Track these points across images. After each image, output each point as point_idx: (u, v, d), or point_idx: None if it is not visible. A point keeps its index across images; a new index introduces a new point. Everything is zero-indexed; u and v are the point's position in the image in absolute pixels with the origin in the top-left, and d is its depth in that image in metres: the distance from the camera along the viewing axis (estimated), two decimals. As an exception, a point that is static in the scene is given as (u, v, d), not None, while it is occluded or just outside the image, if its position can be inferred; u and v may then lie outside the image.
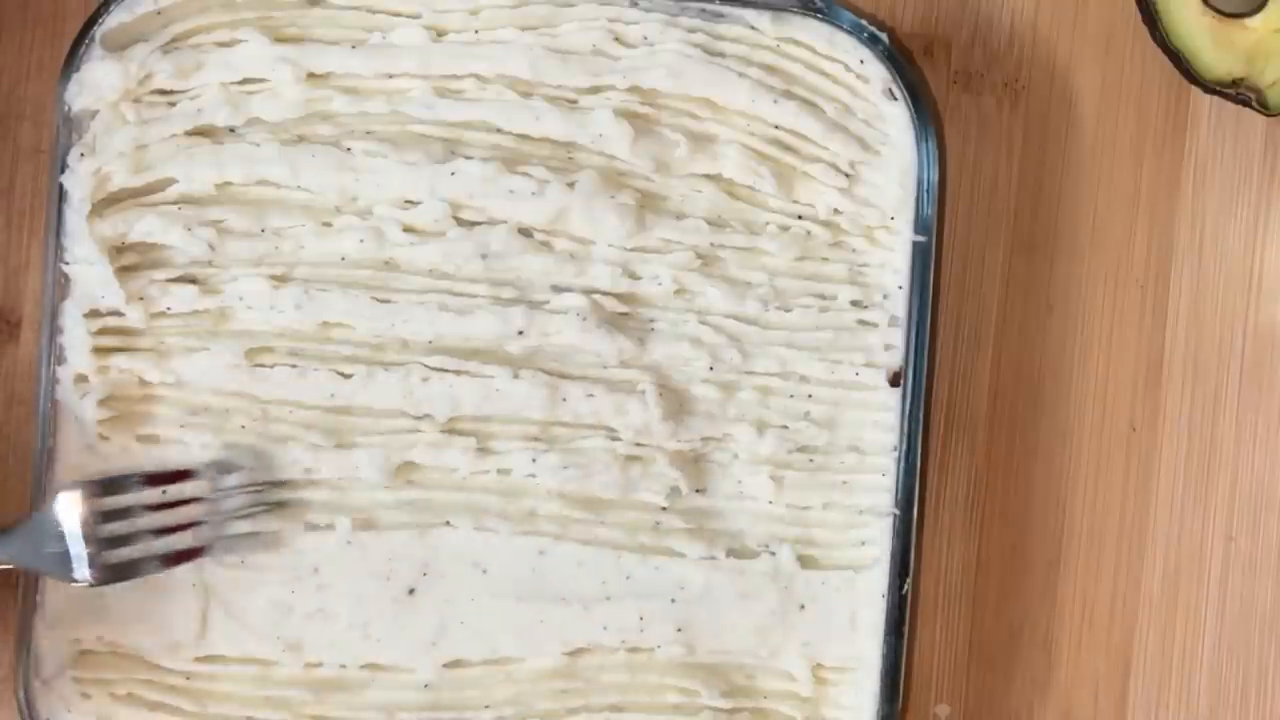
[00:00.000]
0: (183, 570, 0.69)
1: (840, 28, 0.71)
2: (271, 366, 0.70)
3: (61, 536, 0.67)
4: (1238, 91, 0.72)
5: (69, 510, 0.67)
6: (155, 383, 0.70)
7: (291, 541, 0.70)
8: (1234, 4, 0.71)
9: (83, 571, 0.67)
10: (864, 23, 0.71)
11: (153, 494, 0.69)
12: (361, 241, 0.70)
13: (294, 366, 0.70)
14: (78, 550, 0.67)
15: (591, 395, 0.71)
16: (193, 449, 0.70)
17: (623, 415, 0.71)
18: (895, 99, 0.72)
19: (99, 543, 0.67)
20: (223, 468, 0.70)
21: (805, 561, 0.72)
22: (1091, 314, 0.75)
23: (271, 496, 0.70)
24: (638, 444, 0.71)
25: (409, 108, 0.70)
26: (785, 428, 0.72)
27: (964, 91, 0.75)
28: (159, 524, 0.68)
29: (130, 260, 0.70)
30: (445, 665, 0.71)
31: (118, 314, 0.70)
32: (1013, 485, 0.75)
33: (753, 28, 0.72)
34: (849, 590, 0.72)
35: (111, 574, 0.68)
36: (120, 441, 0.70)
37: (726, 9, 0.71)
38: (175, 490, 0.69)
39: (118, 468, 0.69)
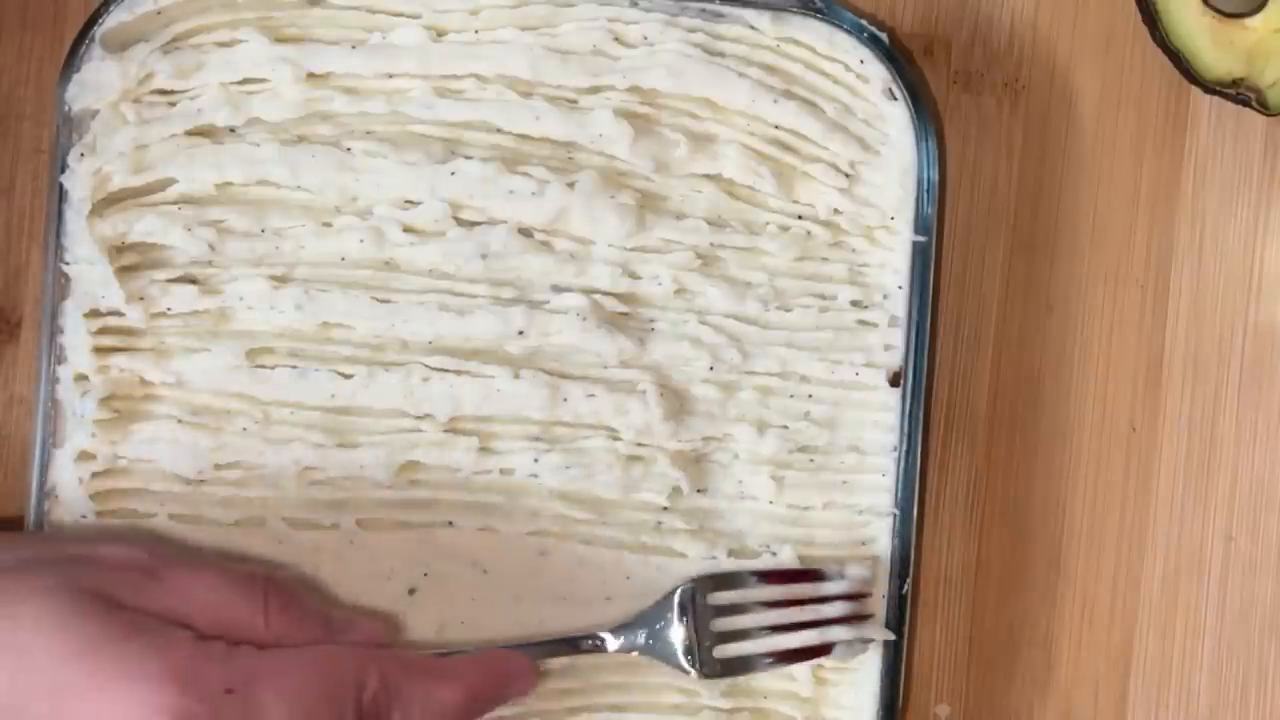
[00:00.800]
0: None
1: (840, 28, 0.72)
2: (272, 367, 0.70)
3: (674, 628, 0.69)
4: (1238, 91, 0.72)
5: (681, 604, 0.69)
6: (156, 383, 0.70)
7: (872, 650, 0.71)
8: (1234, 4, 0.71)
9: (686, 662, 0.69)
10: (864, 23, 0.72)
11: (769, 591, 0.70)
12: (361, 241, 0.70)
13: (294, 367, 0.70)
14: (688, 643, 0.69)
15: (592, 395, 0.71)
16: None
17: (623, 415, 0.71)
18: (895, 99, 0.72)
19: (708, 636, 0.69)
20: (828, 574, 0.71)
21: (806, 562, 0.72)
22: (1091, 314, 0.75)
23: (866, 608, 0.71)
24: (639, 444, 0.71)
25: (409, 108, 0.70)
26: (786, 428, 0.72)
27: (964, 91, 0.75)
28: (772, 621, 0.69)
29: (130, 260, 0.70)
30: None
31: (118, 314, 0.70)
32: (1013, 485, 0.75)
33: (753, 28, 0.72)
34: (850, 590, 0.72)
35: (720, 668, 0.69)
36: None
37: (726, 9, 0.71)
38: (786, 591, 0.70)
39: (731, 564, 0.70)
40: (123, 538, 0.67)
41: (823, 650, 0.70)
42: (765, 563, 0.71)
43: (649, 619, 0.70)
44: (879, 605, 0.72)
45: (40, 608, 0.60)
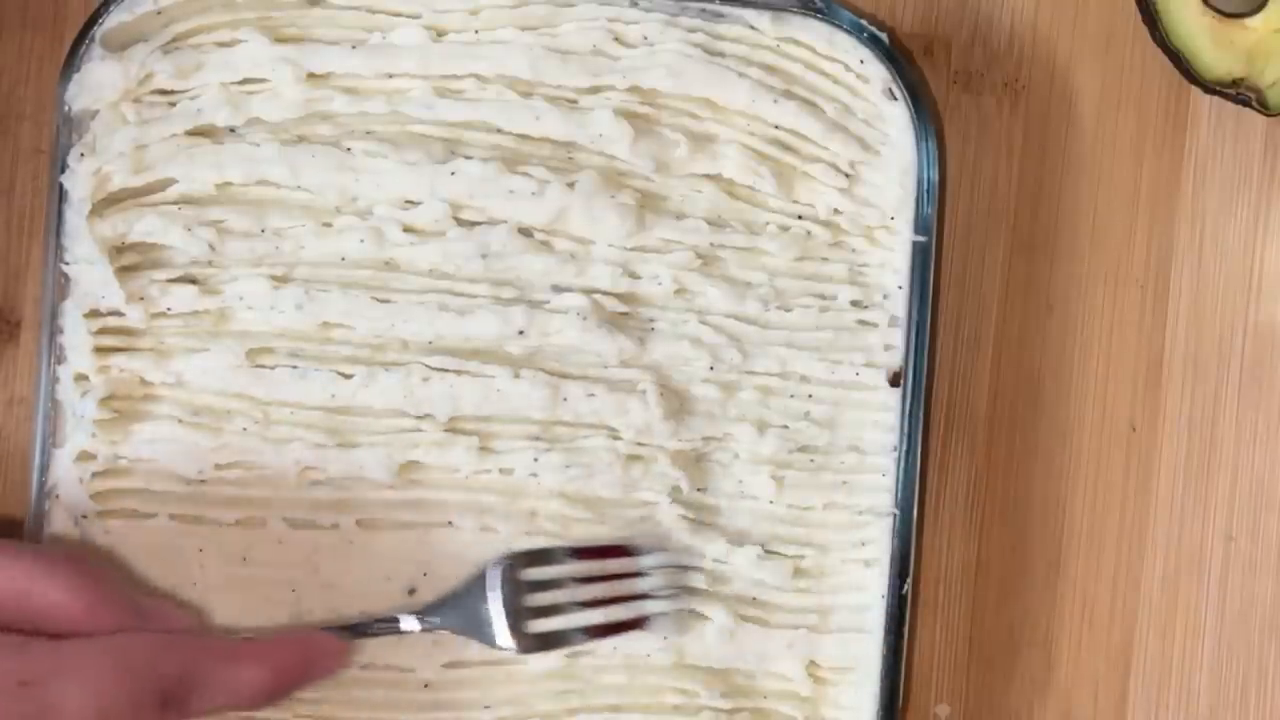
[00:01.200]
0: (183, 570, 0.69)
1: (840, 28, 0.72)
2: (272, 367, 0.70)
3: (487, 604, 0.69)
4: (1238, 91, 0.72)
5: (494, 580, 0.69)
6: (156, 383, 0.70)
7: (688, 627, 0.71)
8: (1234, 4, 0.72)
9: (505, 639, 0.68)
10: (864, 23, 0.72)
11: (581, 567, 0.69)
12: (361, 241, 0.70)
13: (294, 367, 0.70)
14: (499, 619, 0.68)
15: (592, 395, 0.71)
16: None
17: (624, 415, 0.71)
18: (895, 99, 0.72)
19: (521, 612, 0.69)
20: (642, 548, 0.70)
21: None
22: (1091, 314, 0.75)
23: (685, 580, 0.71)
24: (639, 444, 0.71)
25: (409, 108, 0.70)
26: (786, 428, 0.72)
27: (964, 91, 0.75)
28: (585, 597, 0.69)
29: (130, 260, 0.70)
30: (445, 665, 0.71)
31: (118, 314, 0.70)
32: (1013, 485, 0.75)
33: (753, 28, 0.72)
34: (849, 590, 0.72)
35: (534, 643, 0.69)
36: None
37: (726, 9, 0.71)
38: (601, 566, 0.70)
39: (546, 541, 0.70)
40: None
41: (636, 623, 0.70)
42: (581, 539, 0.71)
43: (460, 597, 0.69)
44: (877, 612, 0.72)
45: None
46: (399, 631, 0.69)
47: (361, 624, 0.69)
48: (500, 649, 0.69)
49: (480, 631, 0.69)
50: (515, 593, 0.69)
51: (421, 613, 0.69)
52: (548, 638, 0.69)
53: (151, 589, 0.69)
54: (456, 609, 0.69)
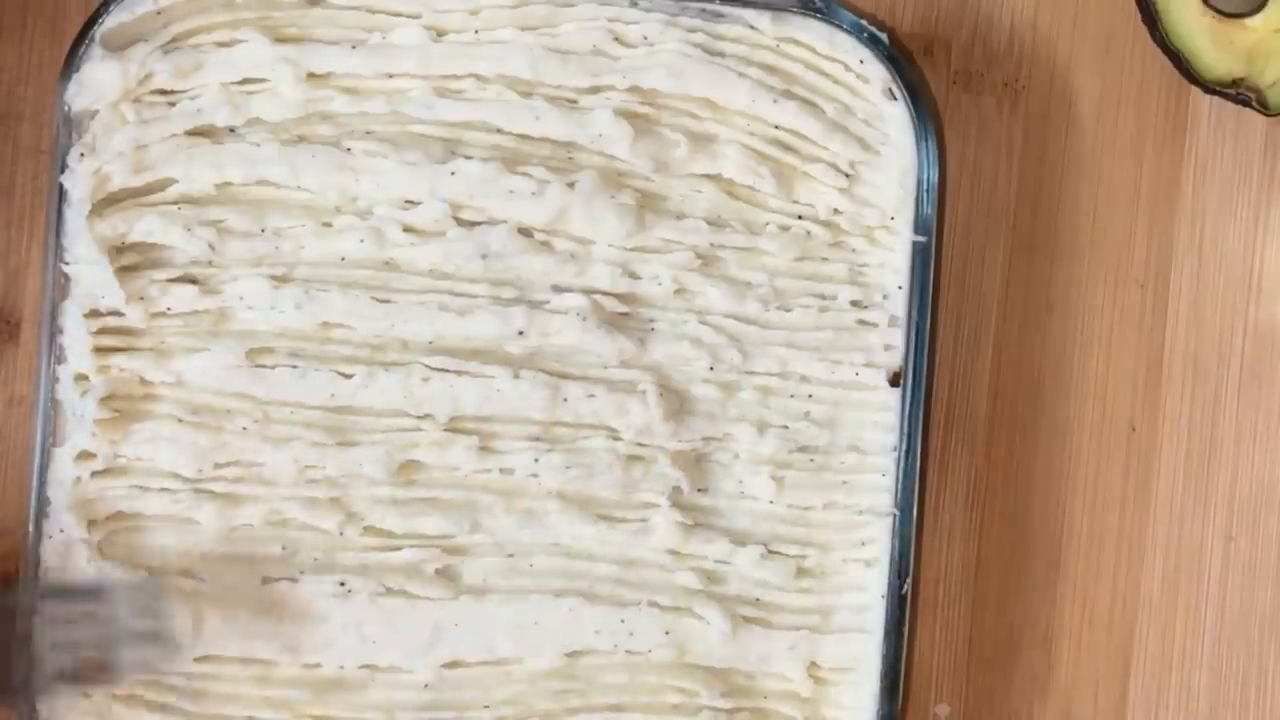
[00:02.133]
0: (176, 576, 0.70)
1: (840, 28, 0.72)
2: (272, 367, 0.70)
3: None
4: (1238, 91, 0.72)
5: None
6: (156, 383, 0.70)
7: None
8: (1234, 4, 0.72)
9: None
10: (864, 23, 0.72)
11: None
12: (361, 241, 0.70)
13: (294, 367, 0.70)
14: None
15: (592, 395, 0.71)
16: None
17: (624, 415, 0.71)
18: (895, 99, 0.72)
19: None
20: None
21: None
22: (1091, 314, 0.75)
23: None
24: (639, 444, 0.71)
25: (409, 108, 0.70)
26: (786, 428, 0.72)
27: (964, 91, 0.75)
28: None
29: (130, 260, 0.70)
30: (444, 666, 0.71)
31: (118, 314, 0.70)
32: (1013, 485, 0.75)
33: (753, 28, 0.72)
34: (849, 590, 0.72)
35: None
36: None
37: (726, 9, 0.71)
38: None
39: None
40: None
41: None
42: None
43: None
44: (877, 612, 0.72)
45: None
46: None
47: None
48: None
49: None
50: None
51: None
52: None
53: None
54: None
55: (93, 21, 0.69)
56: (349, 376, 0.70)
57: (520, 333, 0.70)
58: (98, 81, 0.69)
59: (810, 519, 0.72)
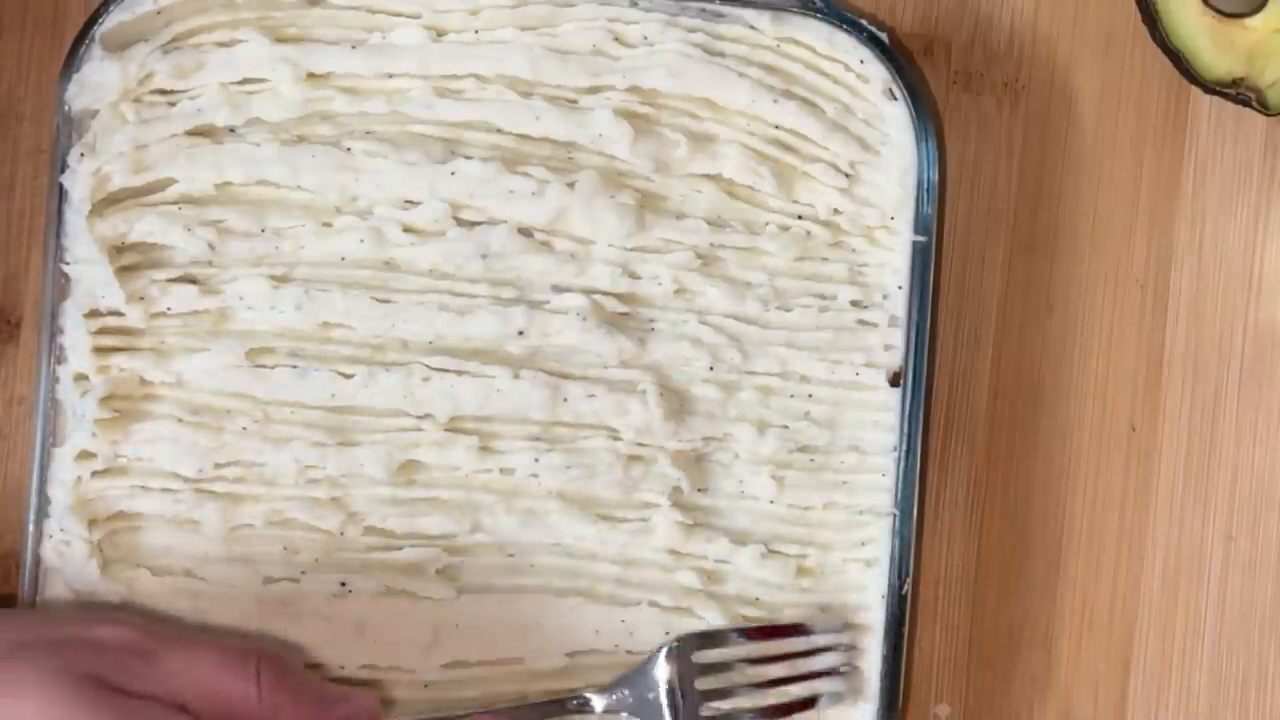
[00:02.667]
0: (170, 577, 0.70)
1: (840, 28, 0.71)
2: (272, 367, 0.70)
3: (657, 686, 0.69)
4: (1238, 91, 0.72)
5: (664, 664, 0.69)
6: (156, 383, 0.70)
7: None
8: (1234, 4, 0.72)
9: None
10: (864, 22, 0.72)
11: (754, 648, 0.70)
12: (361, 241, 0.70)
13: (294, 367, 0.70)
14: (672, 702, 0.69)
15: (592, 395, 0.71)
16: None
17: (624, 415, 0.71)
18: (895, 99, 0.72)
19: (693, 695, 0.69)
20: (812, 626, 0.71)
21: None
22: (1091, 314, 0.75)
23: (849, 659, 0.71)
24: (639, 444, 0.71)
25: (409, 108, 0.70)
26: (786, 428, 0.72)
27: (964, 91, 0.75)
28: (758, 679, 0.70)
29: (130, 260, 0.70)
30: (444, 666, 0.71)
31: (118, 314, 0.70)
32: (1013, 485, 0.75)
33: (753, 27, 0.72)
34: (849, 590, 0.72)
35: None
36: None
37: (726, 9, 0.71)
38: (774, 646, 0.70)
39: (711, 624, 0.70)
40: (116, 618, 0.67)
41: (808, 704, 0.70)
42: (749, 620, 0.71)
43: (634, 678, 0.69)
44: (877, 612, 0.72)
45: (41, 697, 0.60)
46: (590, 711, 0.69)
47: (546, 704, 0.69)
48: None
49: (651, 714, 0.69)
50: (685, 675, 0.69)
51: (601, 690, 0.69)
52: None
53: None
54: (629, 689, 0.69)
55: (93, 21, 0.69)
56: (349, 376, 0.70)
57: (520, 333, 0.70)
58: (98, 81, 0.69)
59: (810, 519, 0.72)
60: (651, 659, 0.69)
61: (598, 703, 0.69)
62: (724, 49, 0.71)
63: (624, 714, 0.69)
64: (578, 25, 0.71)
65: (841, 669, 0.71)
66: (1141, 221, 0.75)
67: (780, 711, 0.70)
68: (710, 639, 0.70)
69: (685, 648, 0.69)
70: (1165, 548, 0.75)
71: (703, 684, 0.69)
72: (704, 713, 0.69)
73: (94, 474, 0.69)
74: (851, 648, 0.71)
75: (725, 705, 0.69)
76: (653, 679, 0.69)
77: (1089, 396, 0.75)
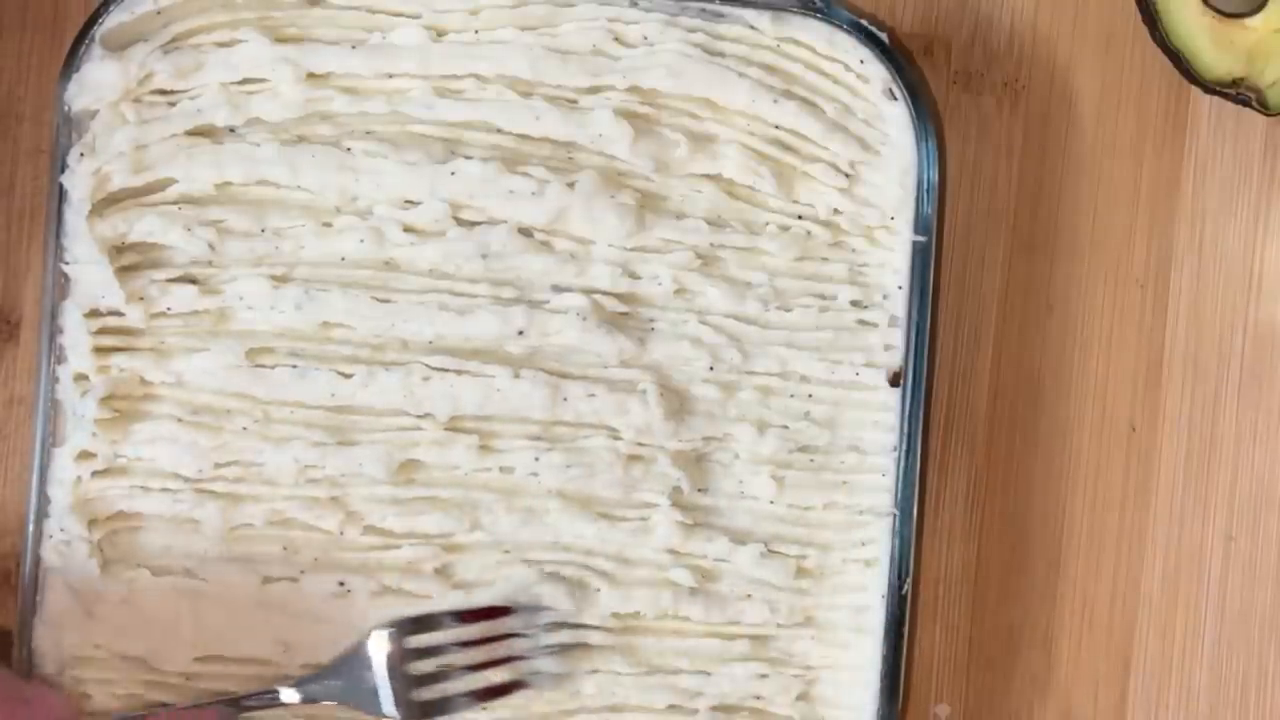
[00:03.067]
0: (170, 576, 0.70)
1: (840, 27, 0.72)
2: (272, 367, 0.70)
3: (371, 672, 0.69)
4: (1238, 91, 0.72)
5: (379, 648, 0.69)
6: (155, 383, 0.70)
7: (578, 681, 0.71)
8: (1234, 4, 0.72)
9: (389, 708, 0.68)
10: (864, 22, 0.72)
11: (465, 631, 0.69)
12: (361, 241, 0.70)
13: (294, 367, 0.70)
14: (385, 688, 0.68)
15: (592, 395, 0.71)
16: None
17: (624, 415, 0.71)
18: (895, 99, 0.72)
19: (407, 680, 0.69)
20: (534, 606, 0.70)
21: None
22: (1091, 314, 0.75)
23: (573, 637, 0.70)
24: (639, 444, 0.71)
25: (409, 108, 0.70)
26: (786, 427, 0.72)
27: (964, 91, 0.75)
28: (469, 661, 0.69)
29: (130, 260, 0.70)
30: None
31: (118, 314, 0.70)
32: (1013, 485, 0.75)
33: (753, 28, 0.72)
34: (849, 590, 0.72)
35: (419, 710, 0.69)
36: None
37: (726, 9, 0.71)
38: (488, 627, 0.70)
39: (428, 607, 0.70)
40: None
41: (521, 684, 0.70)
42: (466, 602, 0.71)
43: (341, 667, 0.69)
44: (877, 612, 0.72)
45: None
46: (280, 704, 0.69)
47: (241, 696, 0.69)
48: (386, 719, 0.69)
49: (365, 701, 0.69)
50: (400, 660, 0.69)
51: (301, 682, 0.69)
52: (433, 705, 0.69)
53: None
54: (339, 678, 0.69)
55: (93, 21, 0.69)
56: (349, 376, 0.70)
57: (520, 332, 0.70)
58: (98, 81, 0.69)
59: (810, 519, 0.72)
60: (361, 644, 0.69)
61: (289, 695, 0.69)
62: (724, 49, 0.71)
63: (331, 703, 0.69)
64: (578, 25, 0.71)
65: (553, 648, 0.70)
66: (1141, 221, 0.75)
67: (495, 693, 0.69)
68: (422, 623, 0.69)
69: (398, 632, 0.69)
70: (1165, 548, 0.75)
71: (416, 668, 0.69)
72: (417, 697, 0.69)
73: (94, 474, 0.69)
74: (562, 626, 0.70)
75: (439, 689, 0.69)
76: (365, 664, 0.69)
77: (1089, 396, 0.75)
